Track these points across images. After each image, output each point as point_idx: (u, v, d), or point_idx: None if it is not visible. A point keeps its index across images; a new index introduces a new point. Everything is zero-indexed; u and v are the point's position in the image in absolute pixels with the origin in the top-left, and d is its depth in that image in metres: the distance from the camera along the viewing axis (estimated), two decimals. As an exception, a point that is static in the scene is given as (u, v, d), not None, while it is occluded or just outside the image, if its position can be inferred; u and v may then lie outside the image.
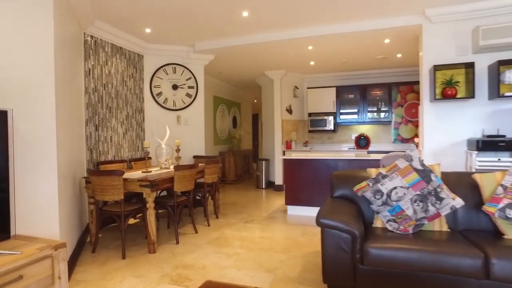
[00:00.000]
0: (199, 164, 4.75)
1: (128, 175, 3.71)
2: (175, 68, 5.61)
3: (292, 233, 4.16)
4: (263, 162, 7.85)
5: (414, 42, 5.11)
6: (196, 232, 4.20)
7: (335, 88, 7.32)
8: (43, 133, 2.41)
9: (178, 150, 4.82)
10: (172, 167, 4.61)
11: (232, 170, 8.65)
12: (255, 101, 13.05)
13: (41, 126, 2.40)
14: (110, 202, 3.64)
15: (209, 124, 8.16)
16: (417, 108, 7.08)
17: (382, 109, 7.23)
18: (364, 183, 2.84)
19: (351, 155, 5.13)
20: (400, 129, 7.29)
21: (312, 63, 6.52)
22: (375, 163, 4.79)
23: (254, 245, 3.72)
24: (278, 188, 7.44)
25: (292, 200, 5.20)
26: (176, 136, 5.50)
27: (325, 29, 4.73)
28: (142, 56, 5.40)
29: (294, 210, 5.21)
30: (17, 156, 2.29)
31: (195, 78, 5.75)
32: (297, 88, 7.81)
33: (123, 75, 4.90)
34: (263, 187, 7.85)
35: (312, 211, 5.09)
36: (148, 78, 5.46)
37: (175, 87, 5.61)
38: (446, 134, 4.27)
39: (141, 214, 4.78)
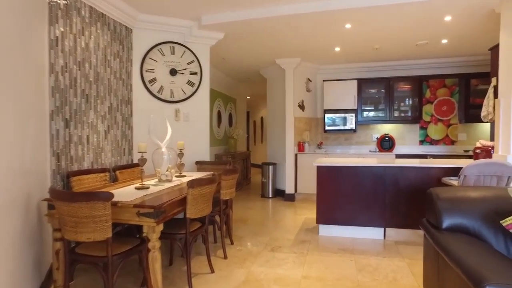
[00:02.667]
0: (212, 174, 3.54)
1: (117, 195, 2.45)
2: (173, 48, 4.36)
3: (344, 269, 3.03)
4: (270, 167, 6.69)
5: (484, 20, 4.10)
6: (213, 271, 2.98)
7: (356, 81, 6.27)
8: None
9: (181, 155, 3.59)
10: (175, 179, 3.36)
11: (231, 176, 7.42)
12: (248, 97, 11.87)
13: None
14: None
15: (203, 122, 6.90)
16: (449, 105, 6.14)
17: (409, 106, 6.24)
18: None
19: (402, 162, 4.06)
20: (429, 129, 6.33)
21: (337, 49, 5.41)
22: (438, 172, 3.74)
23: (304, 295, 2.56)
24: (289, 198, 6.30)
25: (325, 218, 4.07)
26: (174, 136, 4.24)
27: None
28: (131, 30, 4.11)
29: (328, 231, 4.08)
30: None
31: (199, 62, 4.51)
32: (310, 81, 6.70)
33: (105, 52, 3.61)
34: (270, 196, 6.69)
35: (352, 232, 3.98)
36: (138, 59, 4.18)
37: (173, 72, 4.35)
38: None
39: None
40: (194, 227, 2.77)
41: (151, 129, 3.20)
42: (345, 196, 3.99)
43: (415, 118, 6.13)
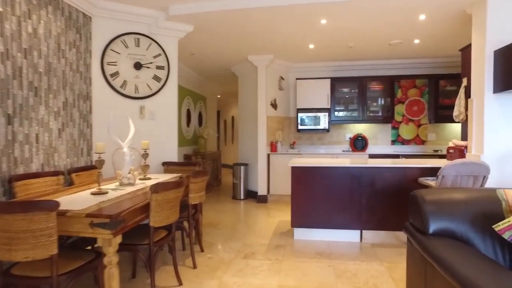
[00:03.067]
0: (180, 177, 3.27)
1: (68, 202, 2.12)
2: (138, 39, 4.02)
3: (323, 276, 2.85)
4: (241, 167, 6.46)
5: (455, 21, 4.09)
6: (180, 283, 2.71)
7: (329, 80, 6.17)
8: None
9: (145, 156, 3.28)
10: (139, 182, 3.05)
11: (201, 177, 7.11)
12: (219, 96, 11.58)
13: None
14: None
15: (169, 121, 6.57)
16: (419, 105, 6.20)
17: (381, 106, 6.24)
18: (520, 221, 1.64)
19: (378, 162, 3.98)
20: (400, 129, 6.36)
21: (311, 46, 5.28)
22: (414, 173, 3.67)
23: (281, 308, 2.35)
24: (261, 200, 6.10)
25: (301, 221, 3.89)
26: (139, 135, 3.90)
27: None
28: (90, 17, 3.73)
29: (304, 234, 3.91)
30: None
31: (166, 55, 4.20)
32: (283, 79, 6.54)
33: (59, 40, 3.22)
34: (242, 197, 6.46)
35: (328, 235, 3.83)
36: (98, 51, 3.80)
37: (138, 66, 4.01)
38: (518, 135, 3.28)
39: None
40: (159, 236, 2.49)
41: (111, 127, 2.87)
42: (321, 198, 3.84)
43: (387, 118, 6.13)
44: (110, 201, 2.23)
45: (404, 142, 6.36)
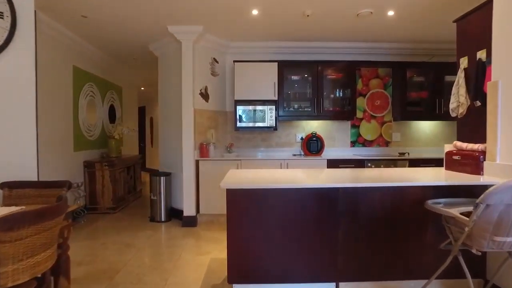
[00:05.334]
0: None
1: None
2: None
3: None
4: (161, 178, 4.79)
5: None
6: None
7: (276, 63, 4.79)
8: None
9: None
10: None
11: (108, 192, 5.28)
12: (142, 88, 9.64)
13: None
14: None
15: (61, 112, 4.67)
16: (382, 99, 5.13)
17: (340, 99, 5.04)
18: None
19: (363, 178, 2.66)
20: (362, 128, 5.24)
21: (255, 11, 3.81)
22: (414, 193, 2.40)
23: None
24: (188, 222, 4.50)
25: (243, 274, 2.40)
26: None
27: None
28: None
29: (247, 294, 2.43)
30: None
31: (5, -6, 2.41)
32: (217, 62, 5.01)
33: None
34: (162, 219, 4.78)
35: (286, 296, 2.40)
36: None
37: None
38: None
39: None
40: None
41: None
42: (274, 237, 2.39)
43: (348, 113, 4.92)
44: None
45: (365, 143, 5.23)
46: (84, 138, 5.26)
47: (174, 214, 4.86)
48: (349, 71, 4.89)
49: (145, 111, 11.26)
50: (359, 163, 4.57)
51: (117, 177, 5.45)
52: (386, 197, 2.40)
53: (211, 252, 3.52)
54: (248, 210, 2.36)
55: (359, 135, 5.22)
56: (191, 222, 4.49)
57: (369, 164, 4.57)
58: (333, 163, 4.55)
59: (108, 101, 6.31)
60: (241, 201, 2.35)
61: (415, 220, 2.42)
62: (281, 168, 4.54)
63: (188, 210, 4.50)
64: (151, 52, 5.32)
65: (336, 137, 5.22)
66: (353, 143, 5.23)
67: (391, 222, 2.41)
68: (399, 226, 2.42)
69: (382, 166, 4.58)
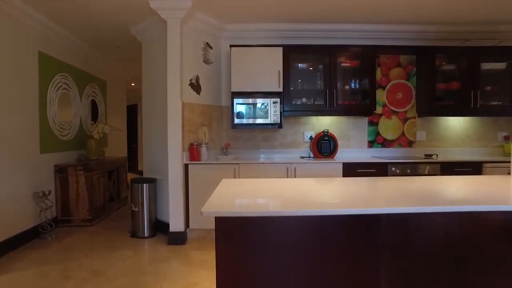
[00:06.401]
0: None
1: None
2: None
3: None
4: (144, 186, 4.01)
5: None
6: None
7: (281, 48, 4.02)
8: None
9: None
10: None
11: (83, 200, 4.50)
12: (133, 84, 8.85)
13: None
14: None
15: (22, 106, 3.90)
16: (405, 91, 4.36)
17: (358, 91, 4.26)
18: None
19: (424, 201, 1.87)
20: (380, 125, 4.46)
21: (255, -24, 3.05)
22: (505, 220, 1.62)
23: None
24: (175, 239, 3.72)
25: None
26: None
27: None
28: None
29: None
30: None
31: None
32: (211, 48, 4.23)
33: None
34: (146, 235, 4.00)
35: None
36: None
37: None
38: None
39: None
40: None
41: None
42: (285, 282, 1.60)
43: (367, 108, 4.14)
44: None
45: (385, 143, 4.46)
46: (54, 137, 4.48)
47: (160, 227, 4.08)
48: (367, 58, 4.11)
49: (138, 109, 10.47)
50: (381, 168, 3.80)
51: (94, 183, 4.67)
52: (451, 224, 1.62)
53: (200, 283, 2.74)
54: (246, 244, 1.57)
55: (377, 133, 4.45)
56: (178, 239, 3.71)
57: (393, 169, 3.79)
58: (350, 168, 3.78)
59: (87, 95, 5.53)
60: (236, 232, 1.56)
61: (494, 256, 1.64)
62: (287, 173, 3.76)
63: (175, 224, 3.72)
64: (135, 39, 4.55)
65: (351, 136, 4.44)
66: (371, 143, 4.45)
67: (458, 259, 1.63)
68: (469, 264, 1.64)
69: (408, 171, 3.81)
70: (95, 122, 5.61)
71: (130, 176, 7.77)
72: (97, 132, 5.16)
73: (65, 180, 4.45)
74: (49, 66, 4.34)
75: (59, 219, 4.44)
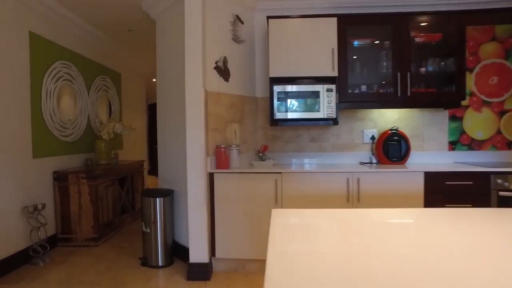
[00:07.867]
0: None
1: None
2: None
3: None
4: (158, 201, 3.11)
5: None
6: None
7: (336, 19, 3.00)
8: None
9: None
10: None
11: (87, 215, 3.67)
12: (154, 80, 8.07)
13: None
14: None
15: (8, 100, 3.11)
16: (503, 74, 3.21)
17: (438, 74, 3.17)
18: None
19: None
20: (466, 121, 3.34)
21: None
22: None
23: None
24: (197, 273, 2.78)
25: None
26: None
27: None
28: None
29: None
30: None
31: None
32: (242, 22, 3.28)
33: None
34: (160, 263, 3.10)
35: None
36: None
37: None
38: None
39: None
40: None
41: None
42: None
43: (452, 97, 3.04)
44: None
45: (473, 144, 3.34)
46: (53, 138, 3.68)
47: (179, 252, 3.18)
48: (453, 28, 3.02)
49: (159, 107, 9.71)
50: (481, 179, 2.71)
51: (101, 193, 3.84)
52: None
53: None
54: None
55: (462, 131, 3.34)
56: (201, 273, 2.78)
57: (498, 181, 2.69)
58: (434, 179, 2.72)
59: (97, 89, 4.73)
60: None
61: None
62: (347, 186, 2.75)
63: (197, 254, 2.80)
64: (148, 18, 3.69)
65: (425, 135, 3.36)
66: (453, 144, 3.34)
67: None
68: None
69: (519, 183, 2.69)
70: (100, 121, 4.80)
71: (150, 180, 6.96)
72: (107, 132, 4.35)
73: (65, 190, 3.65)
74: (44, 50, 3.53)
75: (59, 237, 3.65)
